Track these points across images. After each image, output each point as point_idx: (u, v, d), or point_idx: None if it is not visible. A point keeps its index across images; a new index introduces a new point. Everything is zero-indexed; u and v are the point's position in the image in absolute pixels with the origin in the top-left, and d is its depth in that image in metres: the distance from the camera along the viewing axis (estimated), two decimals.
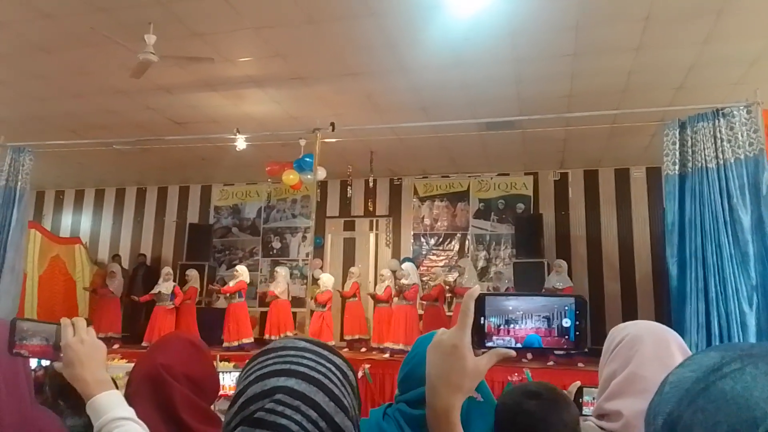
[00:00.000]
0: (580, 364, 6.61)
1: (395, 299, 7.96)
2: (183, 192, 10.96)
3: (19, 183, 6.35)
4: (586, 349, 6.71)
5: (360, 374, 6.87)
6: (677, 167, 5.08)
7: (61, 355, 1.19)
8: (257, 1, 4.55)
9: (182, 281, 8.98)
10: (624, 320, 1.63)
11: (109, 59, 5.49)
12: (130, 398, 1.43)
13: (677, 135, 5.10)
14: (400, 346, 7.49)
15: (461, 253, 9.55)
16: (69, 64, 5.70)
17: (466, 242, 9.59)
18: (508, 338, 1.12)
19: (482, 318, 1.15)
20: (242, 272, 8.56)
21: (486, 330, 1.16)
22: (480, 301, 1.11)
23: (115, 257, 10.22)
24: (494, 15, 4.63)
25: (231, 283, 8.50)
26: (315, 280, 8.22)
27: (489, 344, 1.11)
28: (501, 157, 8.62)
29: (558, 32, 4.90)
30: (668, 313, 5.27)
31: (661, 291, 7.96)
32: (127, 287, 9.39)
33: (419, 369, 1.10)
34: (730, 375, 0.51)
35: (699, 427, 0.49)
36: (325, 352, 0.91)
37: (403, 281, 7.92)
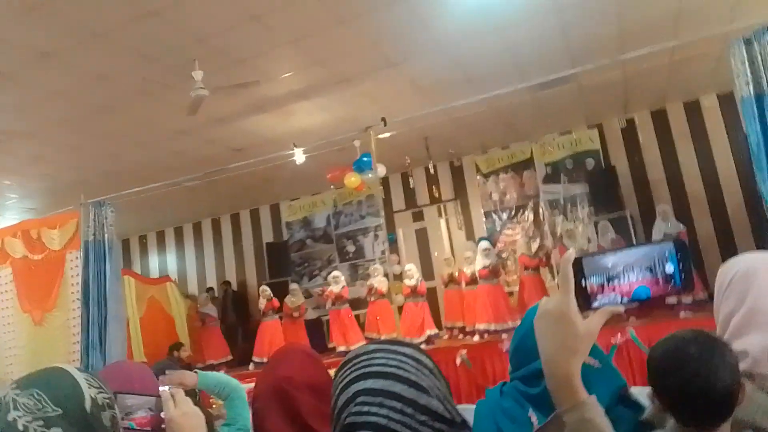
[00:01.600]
0: (683, 313, 6.29)
1: (480, 280, 7.86)
2: (254, 215, 11.31)
3: (106, 235, 6.72)
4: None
5: (458, 360, 6.83)
6: (751, 87, 4.68)
7: (163, 426, 1.23)
8: (287, 15, 4.60)
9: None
10: (723, 259, 1.55)
11: (165, 104, 5.74)
12: (259, 412, 1.49)
13: (744, 53, 4.70)
14: (493, 326, 7.41)
15: (537, 222, 9.31)
16: (130, 118, 6.01)
17: (540, 210, 9.33)
18: (613, 295, 1.06)
19: (583, 279, 1.12)
20: (340, 278, 8.66)
21: (589, 291, 1.12)
22: (577, 264, 1.08)
23: (209, 290, 10.69)
24: None
25: (335, 289, 8.62)
26: (396, 276, 8.24)
27: (595, 304, 1.08)
28: (559, 115, 8.32)
29: None
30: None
31: (758, 221, 7.44)
32: (221, 315, 9.85)
33: (528, 341, 1.08)
34: None
35: None
36: (394, 347, 0.98)
37: (487, 260, 7.82)
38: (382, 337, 8.13)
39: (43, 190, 7.96)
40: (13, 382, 1.08)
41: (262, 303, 8.91)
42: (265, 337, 8.65)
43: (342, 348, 8.15)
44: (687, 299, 6.55)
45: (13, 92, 5.06)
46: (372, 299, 8.39)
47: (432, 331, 8.03)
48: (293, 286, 9.03)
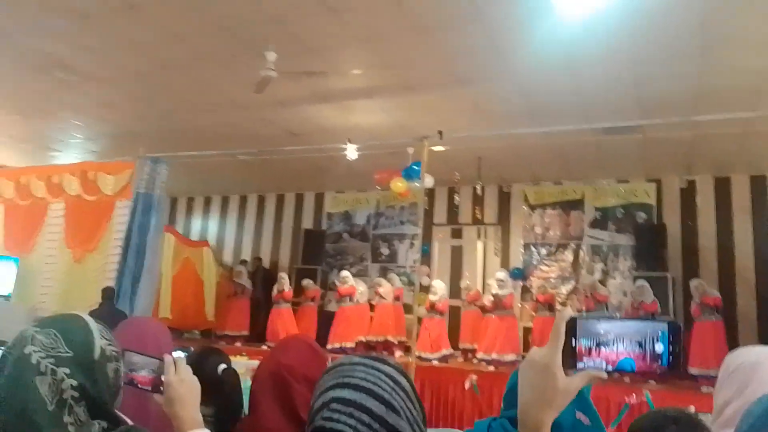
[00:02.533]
0: (704, 388, 6.08)
1: (494, 311, 7.86)
2: (299, 199, 11.52)
3: (157, 190, 6.99)
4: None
5: (467, 385, 6.79)
6: None
7: (162, 388, 1.32)
8: (365, 14, 4.70)
9: (298, 285, 9.45)
10: (761, 342, 1.52)
11: (232, 75, 5.94)
12: (256, 394, 1.57)
13: None
14: (493, 356, 7.40)
15: (575, 264, 9.14)
16: (196, 81, 6.23)
17: (581, 252, 9.16)
18: (599, 360, 1.07)
19: (573, 339, 1.16)
20: (349, 278, 8.82)
21: (577, 351, 1.16)
22: (572, 323, 1.12)
23: (243, 262, 10.94)
24: (609, 16, 4.41)
25: (343, 287, 8.77)
26: (422, 288, 8.26)
27: (580, 365, 1.11)
28: (619, 162, 8.15)
29: (681, 29, 4.57)
30: None
31: None
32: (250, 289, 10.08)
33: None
34: None
35: None
36: (377, 364, 1.04)
37: (500, 291, 7.79)
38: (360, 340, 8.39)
39: (106, 135, 8.32)
40: (35, 320, 1.20)
41: (275, 291, 9.08)
42: (277, 323, 8.82)
43: (333, 345, 8.28)
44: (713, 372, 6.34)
45: (95, 36, 5.32)
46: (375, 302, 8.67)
47: (447, 350, 8.02)
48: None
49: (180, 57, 5.68)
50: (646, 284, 7.40)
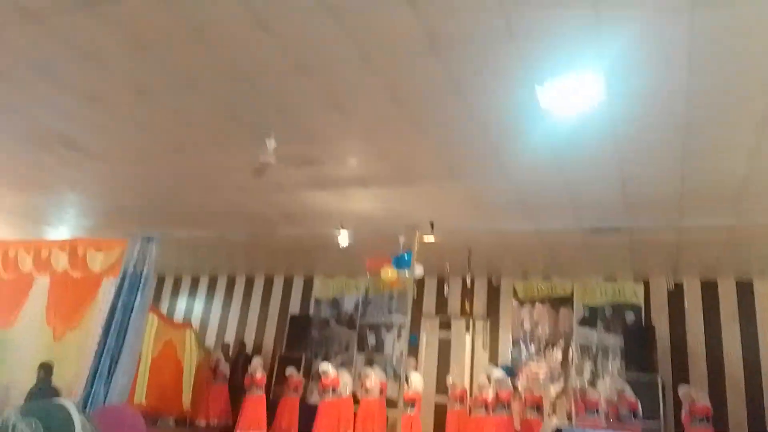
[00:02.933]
0: None
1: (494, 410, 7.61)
2: (287, 283, 11.43)
3: (146, 269, 6.90)
4: None
5: None
6: None
7: None
8: (365, 109, 4.89)
9: (281, 373, 9.19)
10: None
11: (232, 158, 6.09)
12: None
13: None
14: None
15: (564, 363, 9.00)
16: (196, 164, 6.38)
17: (570, 350, 9.05)
18: None
19: None
20: (329, 371, 8.59)
21: None
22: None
23: (225, 346, 10.67)
24: (596, 119, 4.61)
25: (327, 379, 8.52)
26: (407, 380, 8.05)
27: None
28: (607, 261, 8.26)
29: (665, 133, 4.79)
30: None
31: None
32: (230, 375, 9.76)
33: None
34: None
35: None
36: None
37: (499, 389, 7.60)
38: None
39: (100, 211, 8.36)
40: (18, 407, 1.18)
41: (248, 376, 8.90)
42: (248, 411, 8.57)
43: None
44: None
45: (102, 116, 5.49)
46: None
47: None
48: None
49: (183, 140, 5.85)
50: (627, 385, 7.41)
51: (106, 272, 6.61)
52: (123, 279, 6.51)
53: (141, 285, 6.60)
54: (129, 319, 6.43)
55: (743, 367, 8.02)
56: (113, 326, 6.28)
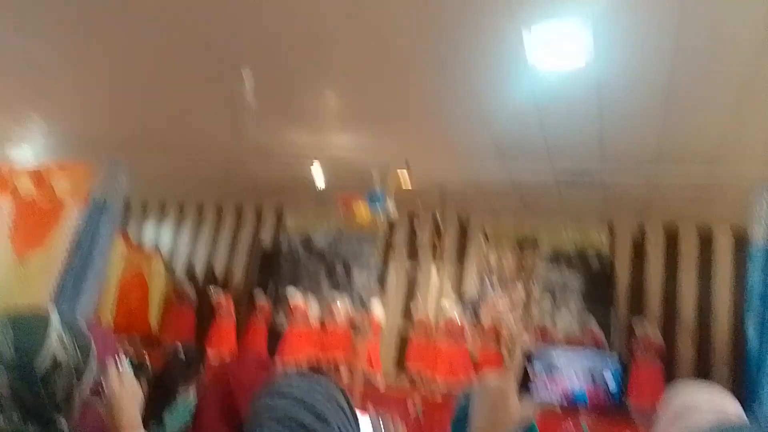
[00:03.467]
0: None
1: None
2: (258, 214, 11.36)
3: (114, 194, 6.79)
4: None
5: (412, 410, 6.81)
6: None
7: (102, 391, 1.31)
8: (343, 43, 4.72)
9: (250, 300, 9.35)
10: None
11: (205, 90, 5.89)
12: (201, 407, 1.55)
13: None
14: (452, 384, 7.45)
15: (527, 298, 9.34)
16: (171, 93, 6.17)
17: (532, 286, 9.38)
18: (551, 387, 1.12)
19: (527, 364, 1.21)
20: (295, 295, 8.79)
21: (531, 377, 1.20)
22: (527, 353, 1.20)
23: (192, 274, 10.73)
24: (579, 71, 4.55)
25: (295, 303, 8.71)
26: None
27: (533, 390, 1.15)
28: (576, 204, 8.43)
29: (649, 89, 4.79)
30: (745, 385, 4.93)
31: (738, 359, 7.45)
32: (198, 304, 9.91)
33: (464, 414, 1.15)
34: None
35: None
36: (314, 378, 1.09)
37: (455, 317, 7.92)
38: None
39: (66, 138, 8.09)
40: (5, 310, 1.18)
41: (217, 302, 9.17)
42: (218, 333, 8.84)
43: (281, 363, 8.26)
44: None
45: (70, 38, 5.21)
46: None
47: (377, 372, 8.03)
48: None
49: (154, 68, 5.62)
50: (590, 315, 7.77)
51: (73, 195, 6.48)
52: (91, 204, 6.42)
53: (109, 210, 6.53)
54: (97, 242, 6.40)
55: (696, 309, 8.43)
56: (80, 248, 6.25)
